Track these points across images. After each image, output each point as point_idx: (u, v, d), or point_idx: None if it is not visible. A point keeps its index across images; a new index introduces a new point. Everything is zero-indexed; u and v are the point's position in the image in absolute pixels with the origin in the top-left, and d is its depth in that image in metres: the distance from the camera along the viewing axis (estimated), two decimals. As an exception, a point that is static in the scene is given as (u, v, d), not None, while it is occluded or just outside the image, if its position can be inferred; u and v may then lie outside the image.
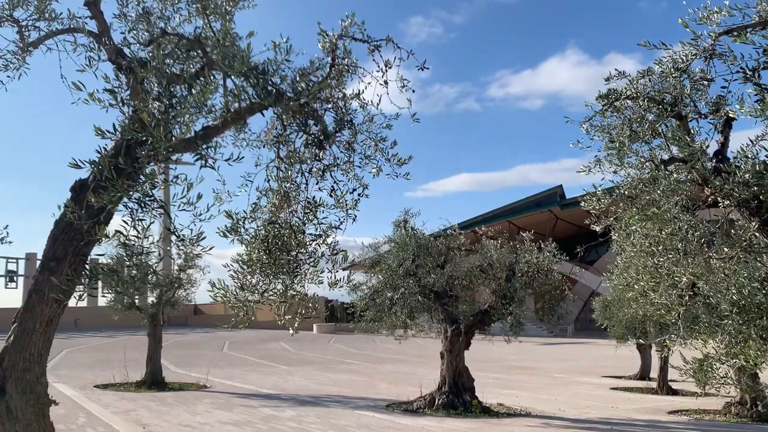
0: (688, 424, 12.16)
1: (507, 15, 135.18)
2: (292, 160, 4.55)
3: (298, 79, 4.83)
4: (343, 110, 4.70)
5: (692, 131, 5.93)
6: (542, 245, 13.92)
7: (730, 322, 5.26)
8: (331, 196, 5.10)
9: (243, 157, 4.14)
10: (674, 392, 16.46)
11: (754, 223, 4.77)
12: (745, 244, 4.93)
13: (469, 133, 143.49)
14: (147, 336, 17.36)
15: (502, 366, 25.06)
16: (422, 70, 5.11)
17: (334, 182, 4.90)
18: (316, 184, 4.91)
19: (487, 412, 13.06)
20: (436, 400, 13.39)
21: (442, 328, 13.88)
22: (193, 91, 3.78)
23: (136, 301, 17.82)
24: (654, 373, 18.27)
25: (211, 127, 4.53)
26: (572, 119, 6.05)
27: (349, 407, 13.60)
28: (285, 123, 4.71)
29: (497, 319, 13.58)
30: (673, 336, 5.41)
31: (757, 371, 5.60)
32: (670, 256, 5.00)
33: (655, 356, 17.96)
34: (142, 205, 3.78)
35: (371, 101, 5.47)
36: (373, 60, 5.24)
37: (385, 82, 5.25)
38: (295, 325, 5.18)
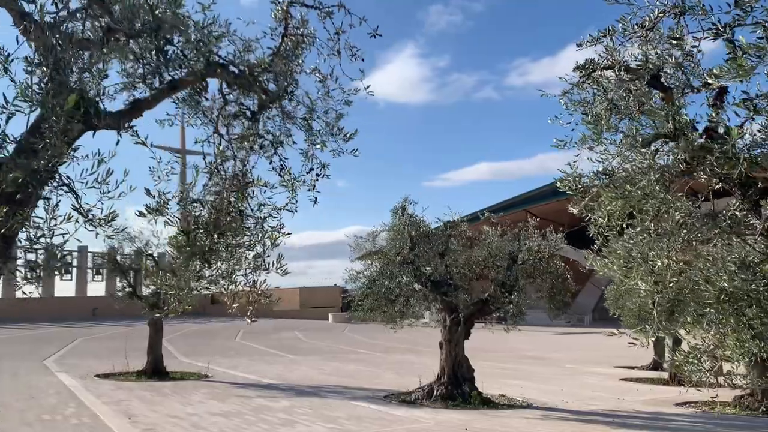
0: (692, 416, 11.68)
1: (526, 2, 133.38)
2: (230, 135, 4.22)
3: (241, 49, 4.50)
4: (284, 81, 4.33)
5: (679, 104, 5.49)
6: (546, 232, 13.49)
7: (712, 311, 4.84)
8: (280, 175, 4.78)
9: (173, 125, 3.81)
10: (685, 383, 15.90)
11: (735, 202, 4.34)
12: (728, 225, 4.50)
13: (488, 122, 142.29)
14: (147, 326, 17.23)
15: (513, 356, 24.65)
16: (374, 37, 4.73)
17: (281, 160, 4.56)
18: (270, 163, 4.59)
19: (486, 403, 12.70)
20: (435, 391, 13.06)
21: (441, 317, 13.53)
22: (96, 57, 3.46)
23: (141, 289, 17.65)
24: (666, 363, 17.73)
25: (142, 100, 4.21)
26: (548, 93, 5.63)
27: (347, 398, 13.32)
28: (225, 95, 4.39)
29: (497, 309, 13.18)
30: (647, 326, 4.99)
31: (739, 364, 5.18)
32: (642, 237, 4.59)
33: (667, 346, 17.43)
34: (41, 182, 3.47)
35: (330, 75, 5.13)
36: (324, 27, 4.89)
37: (338, 52, 4.90)
38: (248, 314, 4.85)
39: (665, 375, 17.07)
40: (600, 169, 4.86)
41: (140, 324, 44.20)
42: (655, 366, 19.96)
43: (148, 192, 3.82)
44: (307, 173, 5.20)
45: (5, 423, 9.95)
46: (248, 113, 4.19)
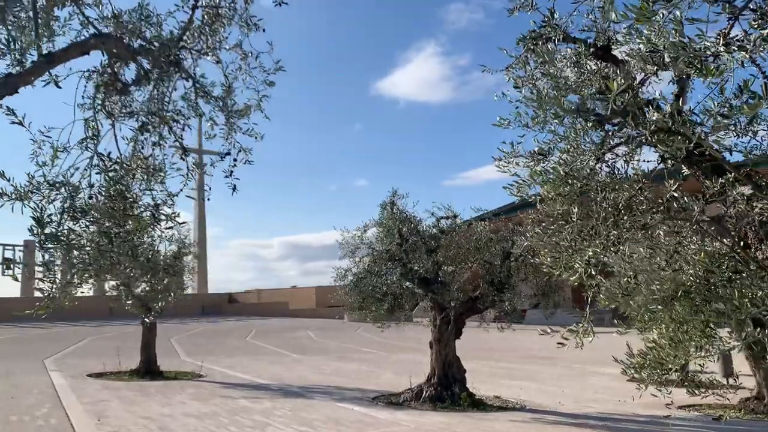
0: (693, 420, 11.04)
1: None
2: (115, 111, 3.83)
3: (135, 20, 4.11)
4: (168, 52, 3.92)
5: (632, 77, 4.96)
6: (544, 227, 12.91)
7: (663, 309, 4.33)
8: (182, 158, 4.37)
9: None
10: (702, 385, 15.18)
11: (673, 182, 3.82)
12: (676, 210, 3.97)
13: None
14: (141, 325, 17.03)
15: (519, 356, 24.01)
16: (279, 5, 4.30)
17: (177, 140, 4.15)
18: (156, 145, 4.18)
19: (477, 405, 12.20)
20: (424, 393, 12.59)
21: (431, 316, 13.06)
22: None
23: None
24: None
25: (15, 75, 3.84)
26: (489, 68, 5.16)
27: (334, 399, 12.92)
28: (114, 67, 3.99)
29: (488, 307, 12.66)
30: (578, 324, 4.48)
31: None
32: (563, 223, 4.09)
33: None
34: None
35: (251, 52, 4.72)
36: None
37: (246, 23, 4.48)
38: (152, 313, 4.45)
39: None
40: (536, 149, 4.37)
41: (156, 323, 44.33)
42: (682, 368, 19.20)
43: (2, 174, 3.45)
44: (221, 158, 4.81)
45: (-30, 424, 9.74)
46: (119, 86, 3.79)
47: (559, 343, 4.23)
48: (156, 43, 3.98)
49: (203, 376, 16.81)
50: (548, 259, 4.24)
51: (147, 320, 16.01)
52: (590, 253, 4.00)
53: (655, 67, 5.23)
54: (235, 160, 4.79)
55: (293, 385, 15.26)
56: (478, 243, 12.41)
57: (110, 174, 3.79)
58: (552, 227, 4.21)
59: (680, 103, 4.75)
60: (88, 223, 3.68)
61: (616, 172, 4.38)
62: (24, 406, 11.35)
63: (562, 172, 3.91)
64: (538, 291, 12.66)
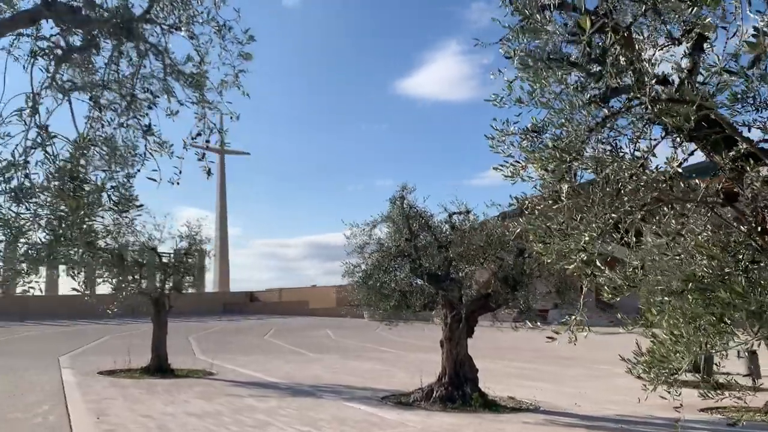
0: (713, 423, 10.50)
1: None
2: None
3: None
4: (119, 19, 3.60)
5: (640, 50, 4.54)
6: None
7: (671, 302, 3.92)
8: (144, 138, 4.06)
9: None
10: (720, 386, 14.59)
11: (673, 157, 3.39)
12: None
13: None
14: (151, 321, 16.88)
15: (540, 356, 23.46)
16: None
17: (135, 116, 3.82)
18: (120, 119, 3.87)
19: (489, 405, 11.78)
20: (435, 392, 12.21)
21: (441, 314, 12.66)
22: None
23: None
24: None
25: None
26: (482, 41, 4.76)
27: (343, 398, 12.59)
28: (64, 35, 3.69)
29: (500, 305, 12.22)
30: (570, 317, 4.06)
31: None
32: (552, 203, 3.69)
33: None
34: None
35: (225, 23, 4.40)
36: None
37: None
38: (112, 307, 4.15)
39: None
40: (529, 126, 3.98)
41: (176, 321, 44.57)
42: (696, 367, 18.58)
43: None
44: (193, 139, 4.49)
45: (-32, 421, 9.59)
46: (58, 53, 3.49)
47: (548, 338, 3.84)
48: (107, 12, 3.68)
49: (214, 374, 16.60)
50: (539, 245, 3.84)
51: (166, 305, 15.94)
52: (586, 238, 3.59)
53: (666, 41, 4.83)
54: (207, 141, 4.49)
55: (304, 384, 14.97)
56: (490, 239, 11.97)
57: (47, 149, 3.49)
58: (538, 208, 3.81)
59: (691, 75, 4.32)
60: (30, 205, 3.39)
61: (619, 151, 3.97)
62: (24, 405, 11.20)
63: (550, 145, 3.51)
64: (553, 288, 12.19)
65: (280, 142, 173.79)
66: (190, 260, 17.30)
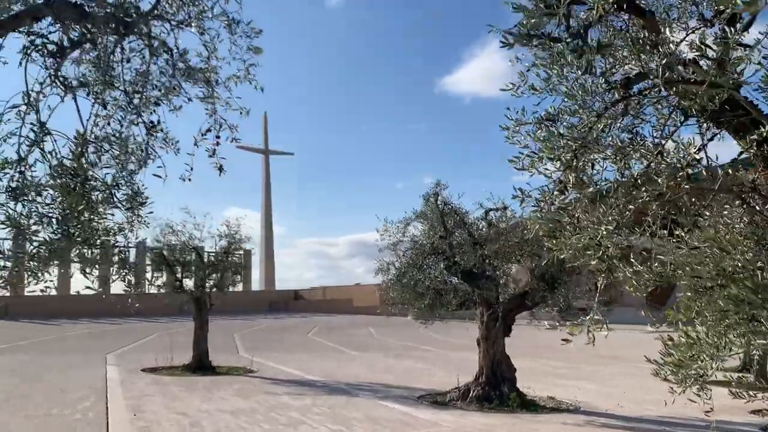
0: (761, 426, 10.01)
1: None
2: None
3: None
4: (118, 13, 3.57)
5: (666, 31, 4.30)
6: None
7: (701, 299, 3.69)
8: (150, 134, 4.03)
9: None
10: (747, 386, 13.92)
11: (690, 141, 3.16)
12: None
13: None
14: (194, 320, 17.11)
15: (584, 355, 22.90)
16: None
17: (137, 112, 3.80)
18: (136, 117, 3.85)
19: (527, 405, 11.52)
20: (471, 392, 12.01)
21: (477, 312, 12.44)
22: None
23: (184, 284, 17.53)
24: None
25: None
26: (496, 27, 4.58)
27: (378, 397, 12.51)
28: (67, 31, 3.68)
29: (537, 303, 11.93)
30: (584, 318, 3.85)
31: None
32: (558, 194, 3.49)
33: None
34: None
35: (233, 18, 4.35)
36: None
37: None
38: (133, 304, 4.13)
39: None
40: (543, 115, 3.78)
41: (222, 319, 45.39)
42: (746, 366, 17.85)
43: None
44: (203, 135, 4.45)
45: (12, 417, 9.86)
46: (49, 49, 3.48)
47: (564, 340, 3.65)
48: (109, 7, 3.66)
49: (255, 371, 16.75)
50: (550, 240, 3.66)
51: (207, 304, 16.25)
52: (603, 232, 3.39)
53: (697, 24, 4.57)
54: (217, 137, 4.44)
55: (341, 382, 14.96)
56: (526, 235, 11.69)
57: (45, 146, 3.49)
58: (544, 200, 3.62)
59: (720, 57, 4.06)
60: (30, 203, 3.39)
61: (640, 139, 3.74)
62: (68, 400, 11.49)
63: (556, 132, 3.33)
64: (592, 286, 11.82)
65: (325, 141, 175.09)
66: (230, 259, 17.48)
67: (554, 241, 3.65)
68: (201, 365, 16.50)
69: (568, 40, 3.49)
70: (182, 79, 4.29)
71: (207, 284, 17.10)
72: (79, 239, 3.55)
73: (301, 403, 11.50)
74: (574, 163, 3.36)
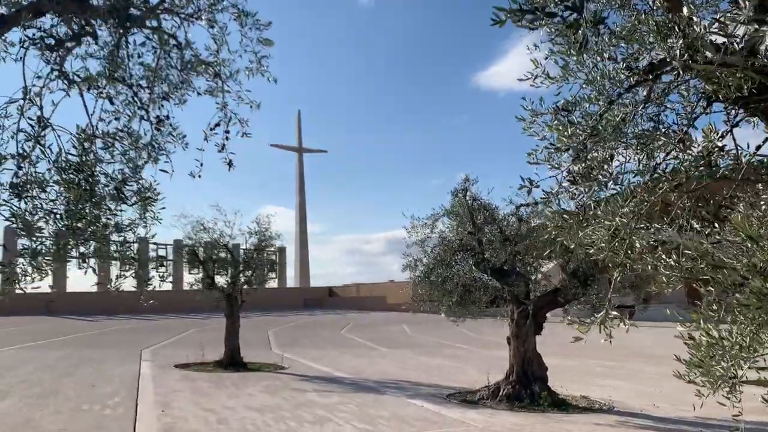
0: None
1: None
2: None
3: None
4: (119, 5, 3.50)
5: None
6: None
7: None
8: (157, 129, 3.97)
9: None
10: None
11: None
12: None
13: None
14: (225, 317, 17.21)
15: (626, 353, 22.41)
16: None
17: (142, 107, 3.72)
18: (148, 114, 3.79)
19: (558, 405, 11.26)
20: (501, 391, 11.80)
21: (508, 310, 12.20)
22: None
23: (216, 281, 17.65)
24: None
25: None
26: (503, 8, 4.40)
27: (407, 395, 12.37)
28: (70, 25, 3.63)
29: (569, 300, 11.64)
30: (593, 318, 3.65)
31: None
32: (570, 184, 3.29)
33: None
34: None
35: (243, 11, 4.27)
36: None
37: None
38: (141, 295, 4.09)
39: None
40: (560, 104, 3.58)
41: (257, 316, 45.75)
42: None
43: None
44: (211, 129, 4.37)
45: (42, 411, 10.01)
46: (47, 42, 3.42)
47: (575, 338, 3.46)
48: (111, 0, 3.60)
49: (285, 367, 16.79)
50: (556, 230, 3.48)
51: (239, 300, 16.43)
52: (617, 223, 3.21)
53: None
54: (227, 132, 4.36)
55: (370, 379, 14.87)
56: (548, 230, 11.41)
57: (42, 141, 3.44)
58: (552, 192, 3.44)
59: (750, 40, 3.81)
60: (30, 199, 3.34)
61: (662, 128, 3.52)
62: (98, 395, 11.64)
63: (567, 120, 3.15)
64: (627, 283, 11.48)
65: (361, 139, 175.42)
66: (260, 256, 17.54)
67: (564, 234, 3.47)
68: (232, 361, 16.58)
69: (564, 14, 3.29)
70: (191, 73, 4.22)
71: (238, 281, 17.18)
72: (85, 235, 3.51)
73: (328, 401, 11.44)
74: (584, 153, 3.17)
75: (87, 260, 3.68)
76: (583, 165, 3.21)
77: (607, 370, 17.29)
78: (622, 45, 4.16)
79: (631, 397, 12.45)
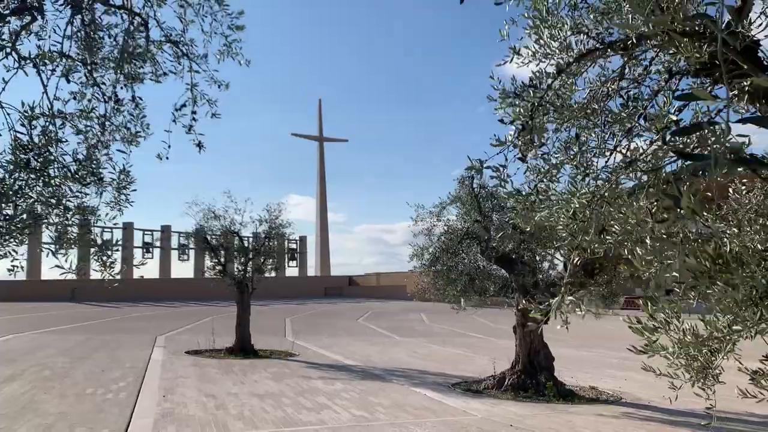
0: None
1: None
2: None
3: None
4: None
5: None
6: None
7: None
8: (117, 109, 3.90)
9: None
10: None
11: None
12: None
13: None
14: (236, 304, 17.27)
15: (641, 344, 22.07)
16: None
17: (95, 83, 3.65)
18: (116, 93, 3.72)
19: (564, 396, 11.10)
20: (507, 380, 11.67)
21: (514, 299, 12.04)
22: None
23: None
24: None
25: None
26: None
27: (412, 383, 12.31)
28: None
29: (576, 290, 11.41)
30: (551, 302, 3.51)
31: None
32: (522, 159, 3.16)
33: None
34: None
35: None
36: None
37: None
38: (106, 278, 4.03)
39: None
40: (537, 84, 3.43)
41: (279, 304, 45.96)
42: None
43: None
44: (177, 110, 4.30)
45: (47, 394, 10.12)
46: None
47: (528, 324, 3.33)
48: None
49: (296, 355, 16.83)
50: (515, 210, 3.37)
51: (249, 288, 16.54)
52: (575, 204, 3.08)
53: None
54: (194, 112, 4.29)
55: (377, 367, 14.83)
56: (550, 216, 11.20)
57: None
58: (499, 170, 3.31)
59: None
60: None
61: (630, 105, 3.35)
62: (108, 379, 11.76)
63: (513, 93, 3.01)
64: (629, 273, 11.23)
65: (383, 128, 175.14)
66: (270, 243, 17.55)
67: (522, 213, 3.35)
68: (243, 348, 16.66)
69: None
70: (157, 52, 4.15)
71: (248, 269, 17.22)
72: (45, 217, 3.47)
73: (332, 388, 11.41)
74: (530, 125, 3.03)
75: (45, 244, 3.66)
76: (527, 137, 3.07)
77: (622, 361, 17.04)
78: (606, 21, 4.00)
79: (641, 389, 12.23)
